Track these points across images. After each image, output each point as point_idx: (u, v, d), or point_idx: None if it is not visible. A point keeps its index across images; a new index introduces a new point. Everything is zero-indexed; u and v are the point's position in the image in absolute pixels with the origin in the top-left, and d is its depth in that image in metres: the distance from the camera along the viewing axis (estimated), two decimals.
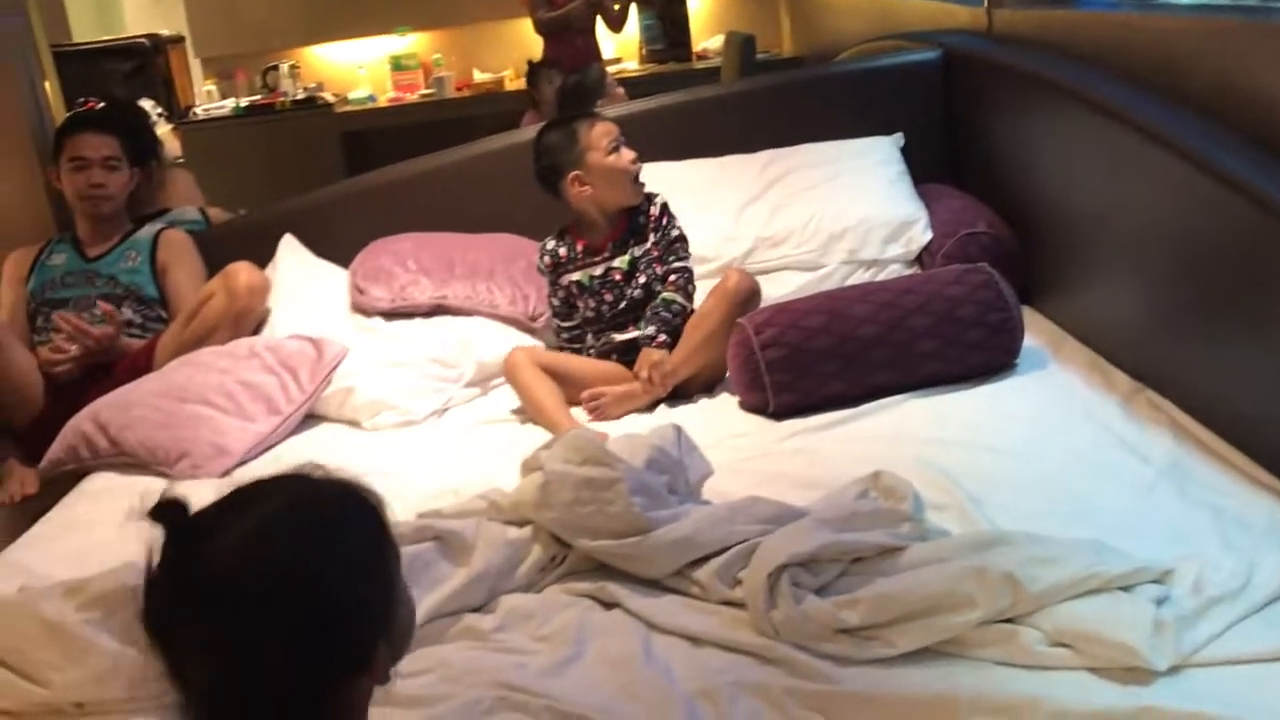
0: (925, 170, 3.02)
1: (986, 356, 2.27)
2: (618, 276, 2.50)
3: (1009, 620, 1.41)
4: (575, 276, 2.53)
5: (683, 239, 2.52)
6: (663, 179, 2.93)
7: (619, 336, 2.52)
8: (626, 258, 2.50)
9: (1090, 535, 1.54)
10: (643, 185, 2.52)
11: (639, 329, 2.49)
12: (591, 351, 2.55)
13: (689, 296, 2.48)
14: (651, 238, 2.51)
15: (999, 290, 2.29)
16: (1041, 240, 2.61)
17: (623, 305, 2.51)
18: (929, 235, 2.78)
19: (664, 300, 2.45)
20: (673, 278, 2.48)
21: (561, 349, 2.61)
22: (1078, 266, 2.47)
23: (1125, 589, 1.42)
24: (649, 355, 2.39)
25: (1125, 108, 2.18)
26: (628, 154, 2.47)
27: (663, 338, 2.41)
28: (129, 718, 1.43)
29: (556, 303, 2.58)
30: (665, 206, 2.53)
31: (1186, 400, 2.03)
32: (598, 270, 2.50)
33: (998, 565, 1.43)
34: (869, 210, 2.84)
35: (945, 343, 2.25)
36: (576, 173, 2.47)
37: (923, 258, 2.78)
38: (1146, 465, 1.87)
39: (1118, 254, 2.29)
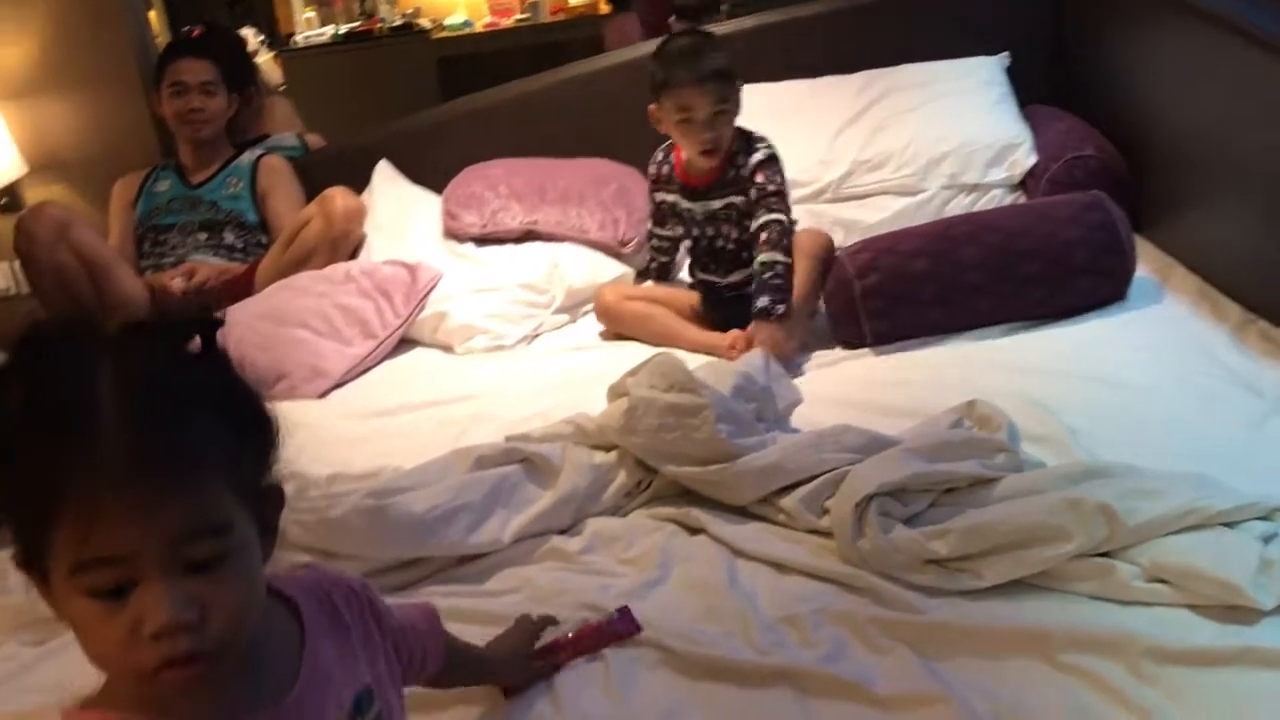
0: (1031, 92, 2.91)
1: (1094, 298, 2.18)
2: (710, 228, 2.38)
3: (1105, 554, 1.37)
4: (669, 198, 2.45)
5: (780, 193, 2.27)
6: (757, 101, 2.87)
7: (708, 277, 2.44)
8: (719, 205, 2.35)
9: (1195, 470, 1.48)
10: (716, 151, 2.27)
11: (724, 275, 2.41)
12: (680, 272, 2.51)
13: (787, 251, 2.24)
14: (752, 193, 2.28)
15: (1116, 232, 2.17)
16: (1152, 164, 2.50)
17: (712, 247, 2.41)
18: (1034, 159, 2.68)
19: (764, 263, 2.22)
20: (764, 235, 2.24)
21: (650, 261, 2.57)
22: (1190, 192, 2.36)
23: (1230, 525, 1.36)
24: (763, 329, 2.19)
25: (1249, 22, 2.06)
26: (698, 133, 2.24)
27: (780, 309, 2.20)
28: None
29: (653, 207, 2.51)
30: (768, 160, 2.28)
31: None
32: (693, 205, 2.39)
33: (1094, 497, 1.38)
34: (971, 133, 2.75)
35: (1053, 288, 2.16)
36: (653, 106, 2.31)
37: (1026, 182, 2.69)
38: (1258, 399, 1.79)
39: (1232, 179, 2.17)
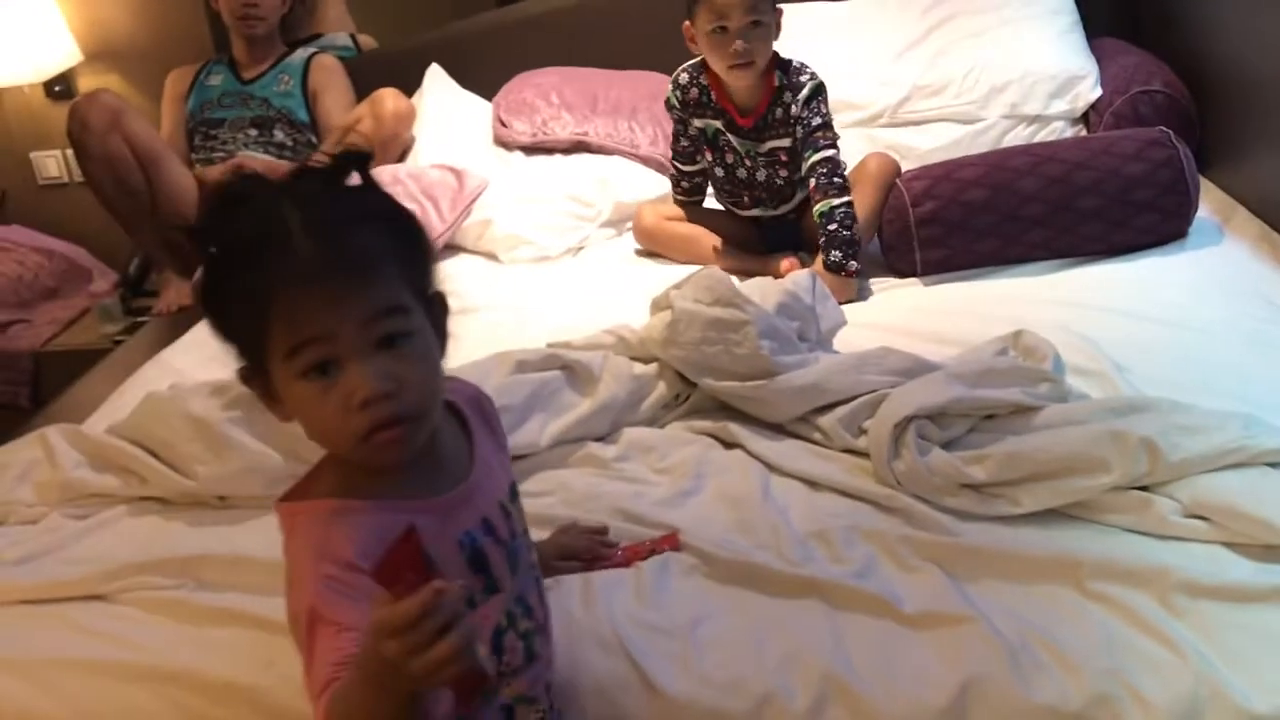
0: (1101, 24, 2.83)
1: (1153, 237, 2.13)
2: (758, 169, 2.30)
3: (1144, 488, 1.36)
4: (711, 124, 2.31)
5: (826, 124, 2.20)
6: (815, 19, 2.82)
7: (754, 212, 2.37)
8: (767, 148, 2.27)
9: (1243, 409, 1.46)
10: (746, 72, 2.18)
11: (771, 209, 2.35)
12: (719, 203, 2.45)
13: (842, 189, 2.16)
14: (798, 130, 2.21)
15: (1180, 170, 2.11)
16: (1221, 103, 2.43)
17: (755, 181, 2.33)
18: (1098, 92, 2.61)
19: (823, 214, 2.14)
20: (814, 180, 2.17)
21: (677, 194, 2.49)
22: (1258, 133, 2.29)
23: (1274, 465, 1.34)
24: (831, 280, 2.08)
25: None
26: (733, 45, 2.13)
27: (853, 265, 2.12)
28: (267, 513, 1.49)
29: (686, 143, 2.39)
30: (813, 94, 2.20)
31: None
32: (736, 139, 2.29)
33: (1137, 430, 1.36)
34: (1035, 62, 2.68)
35: (1112, 224, 2.12)
36: (688, 23, 2.23)
37: (1089, 116, 2.62)
38: None
39: None
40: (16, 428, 1.90)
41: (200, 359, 2.04)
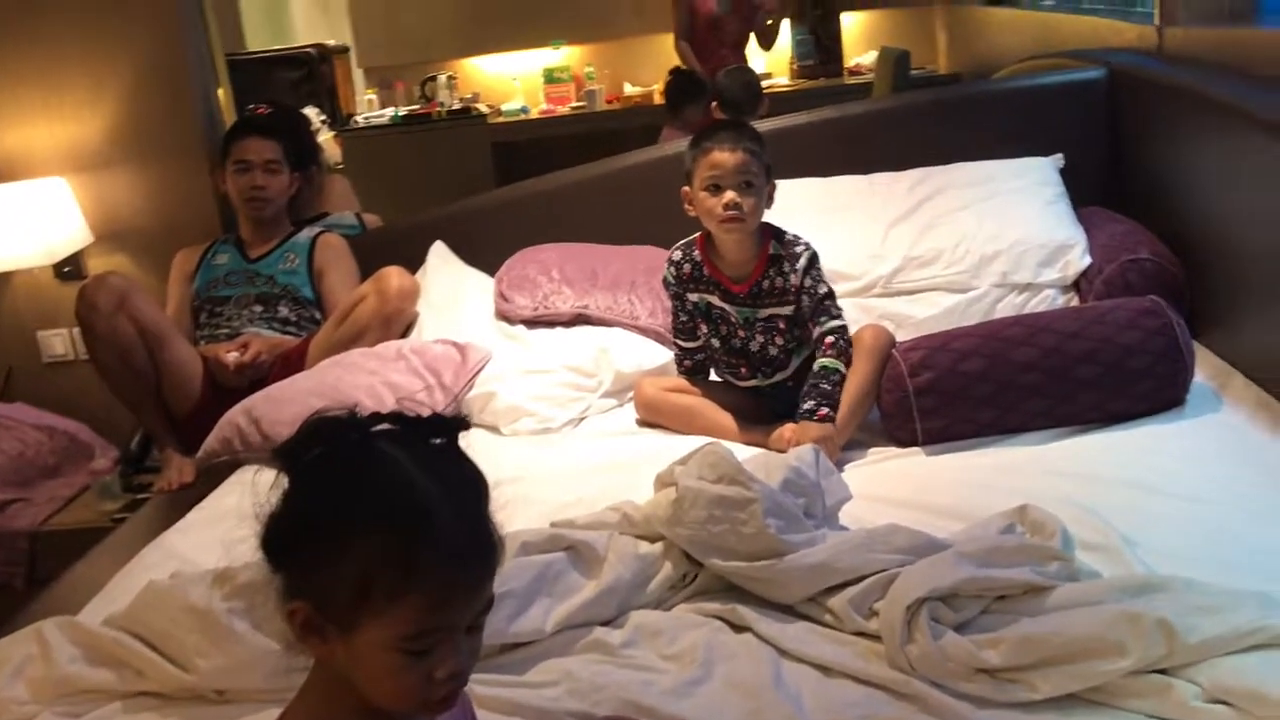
0: (1086, 194, 2.91)
1: (1151, 404, 2.15)
2: (752, 338, 2.35)
3: (1162, 671, 1.33)
4: (704, 298, 2.38)
5: (831, 294, 2.31)
6: (808, 195, 2.90)
7: (751, 383, 2.41)
8: (764, 315, 2.33)
9: (1257, 586, 1.44)
10: (737, 227, 2.26)
11: (767, 378, 2.39)
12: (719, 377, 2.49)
13: (848, 360, 2.26)
14: (804, 300, 2.28)
15: (1175, 338, 2.14)
16: (1208, 270, 2.48)
17: (749, 351, 2.38)
18: (1087, 260, 2.67)
19: (824, 368, 2.23)
20: (830, 339, 2.25)
21: (681, 368, 2.53)
22: (1248, 299, 2.33)
23: None
24: (811, 430, 2.16)
25: None
26: (725, 197, 2.23)
27: (826, 411, 2.20)
28: (264, 707, 1.46)
29: (685, 318, 2.46)
30: (811, 264, 2.29)
31: None
32: (730, 308, 2.36)
33: (1153, 611, 1.34)
34: (1024, 232, 2.74)
35: (1110, 393, 2.14)
36: (686, 188, 2.34)
37: (1080, 284, 2.67)
38: None
39: None
40: (11, 612, 1.87)
41: (201, 542, 2.02)
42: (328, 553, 0.90)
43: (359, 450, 0.92)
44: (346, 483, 0.91)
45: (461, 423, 0.96)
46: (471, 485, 0.95)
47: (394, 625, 0.89)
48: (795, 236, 2.34)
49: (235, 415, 2.49)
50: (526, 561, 1.65)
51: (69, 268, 3.41)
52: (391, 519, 0.89)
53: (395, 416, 0.96)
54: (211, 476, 2.49)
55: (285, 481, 0.94)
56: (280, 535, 0.93)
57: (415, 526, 0.89)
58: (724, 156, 2.25)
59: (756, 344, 2.36)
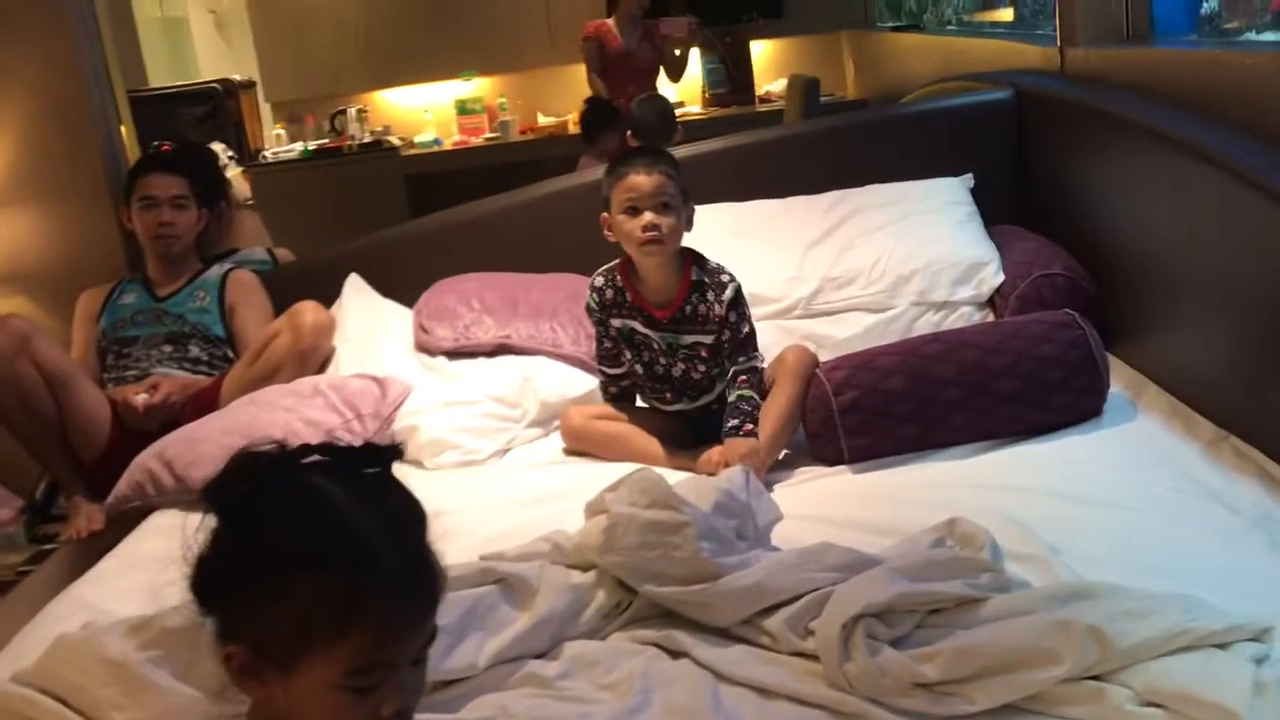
0: (997, 212, 2.97)
1: (1069, 416, 2.20)
2: (675, 363, 2.35)
3: (1096, 677, 1.34)
4: (626, 324, 2.37)
5: (753, 334, 2.32)
6: (725, 220, 2.92)
7: (670, 407, 2.41)
8: (688, 342, 2.33)
9: (1179, 588, 1.47)
10: (657, 249, 2.26)
11: (691, 402, 2.40)
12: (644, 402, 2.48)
13: (762, 392, 2.29)
14: (725, 335, 2.29)
15: (1089, 350, 2.20)
16: (1118, 283, 2.55)
17: (671, 376, 2.38)
18: (1001, 277, 2.73)
19: (741, 397, 2.26)
20: (744, 378, 2.27)
21: (606, 394, 2.51)
22: (1157, 310, 2.40)
23: (1221, 647, 1.34)
24: (738, 446, 2.19)
25: (1210, 147, 2.12)
26: (643, 219, 2.23)
27: (750, 426, 2.23)
28: None
29: (609, 344, 2.44)
30: (736, 299, 2.28)
31: (1275, 448, 1.95)
32: (653, 334, 2.35)
33: (1083, 619, 1.36)
34: (938, 251, 2.79)
35: (1029, 405, 2.18)
36: (605, 214, 2.34)
37: (995, 300, 2.72)
38: (1236, 516, 1.79)
39: (1199, 297, 2.22)
40: None
41: (115, 591, 1.95)
42: (263, 594, 0.87)
43: (290, 486, 0.89)
44: (279, 521, 0.89)
45: (395, 451, 0.95)
46: (409, 515, 0.93)
47: (336, 663, 0.86)
48: (719, 265, 2.34)
49: (147, 459, 2.41)
50: (456, 597, 1.61)
51: None
52: (327, 556, 0.87)
53: (326, 447, 0.93)
54: (123, 523, 2.39)
55: (212, 522, 0.90)
56: (212, 578, 0.90)
57: (352, 562, 0.87)
58: (640, 179, 2.26)
59: (679, 370, 2.36)
